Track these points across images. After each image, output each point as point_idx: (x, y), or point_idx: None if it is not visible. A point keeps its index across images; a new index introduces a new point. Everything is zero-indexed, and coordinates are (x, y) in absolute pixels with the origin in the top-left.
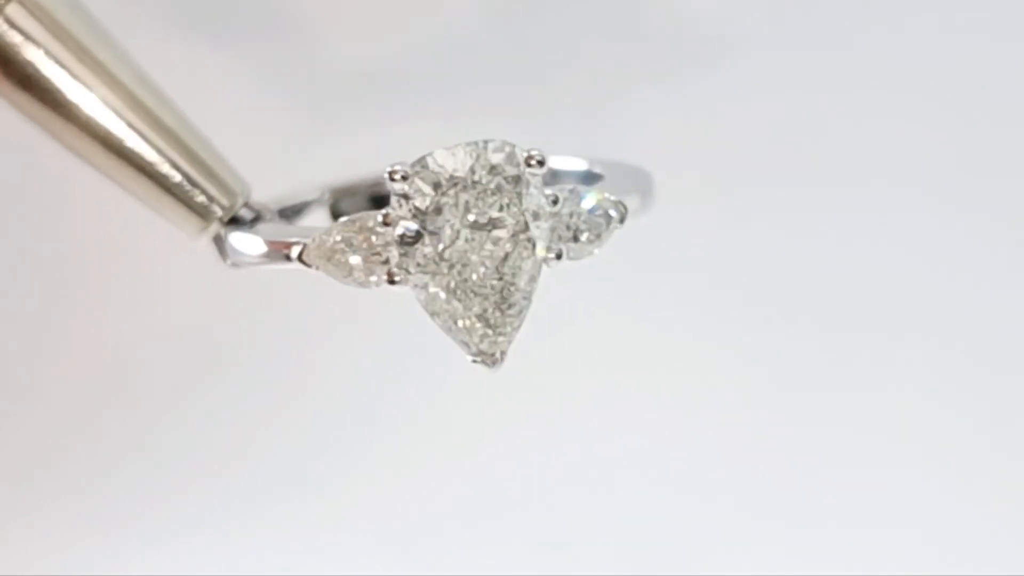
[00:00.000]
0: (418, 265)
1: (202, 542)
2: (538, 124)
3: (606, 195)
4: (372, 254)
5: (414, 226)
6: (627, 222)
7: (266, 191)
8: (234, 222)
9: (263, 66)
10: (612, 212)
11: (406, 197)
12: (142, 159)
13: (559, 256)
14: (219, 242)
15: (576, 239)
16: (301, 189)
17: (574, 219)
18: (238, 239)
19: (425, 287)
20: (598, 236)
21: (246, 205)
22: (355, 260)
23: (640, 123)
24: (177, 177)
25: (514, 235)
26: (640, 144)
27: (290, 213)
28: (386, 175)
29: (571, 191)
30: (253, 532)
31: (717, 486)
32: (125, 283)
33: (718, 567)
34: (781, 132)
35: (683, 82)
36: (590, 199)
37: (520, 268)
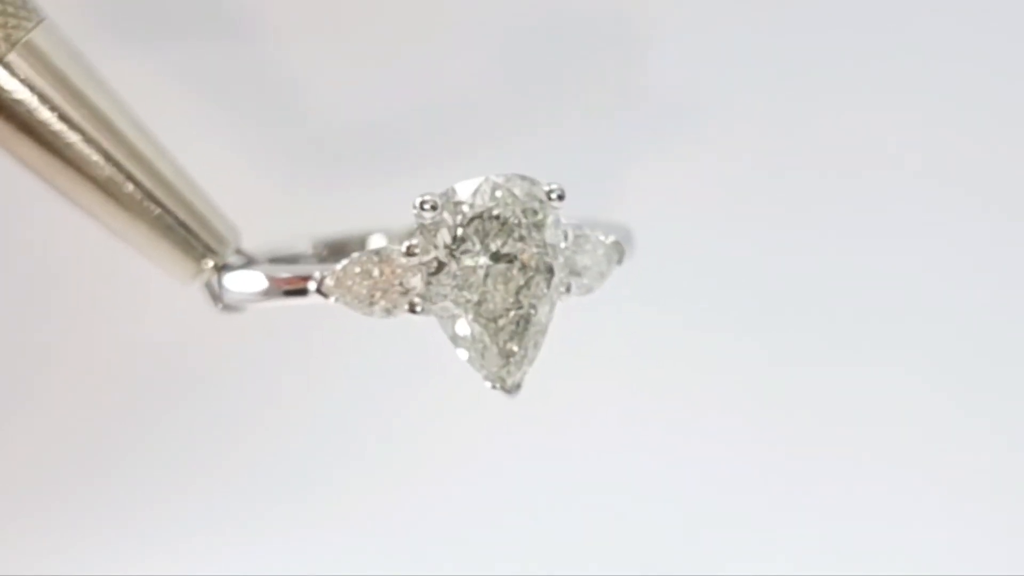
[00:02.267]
0: (440, 295)
1: (201, 543)
2: (529, 161)
3: (606, 238)
4: (393, 285)
5: (438, 257)
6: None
7: (257, 240)
8: (225, 268)
9: (256, 117)
10: (612, 254)
11: (429, 229)
12: (137, 206)
13: (568, 289)
14: (210, 288)
15: (580, 275)
16: (291, 240)
17: (579, 257)
18: (237, 277)
19: (447, 316)
20: (600, 274)
21: (237, 252)
22: (377, 291)
23: (633, 143)
24: (171, 223)
25: (534, 266)
26: (634, 165)
27: (281, 263)
28: (416, 204)
29: (576, 230)
30: (252, 534)
31: (720, 487)
32: (128, 285)
33: (721, 567)
34: (771, 142)
35: (674, 99)
36: (592, 240)
37: (539, 298)
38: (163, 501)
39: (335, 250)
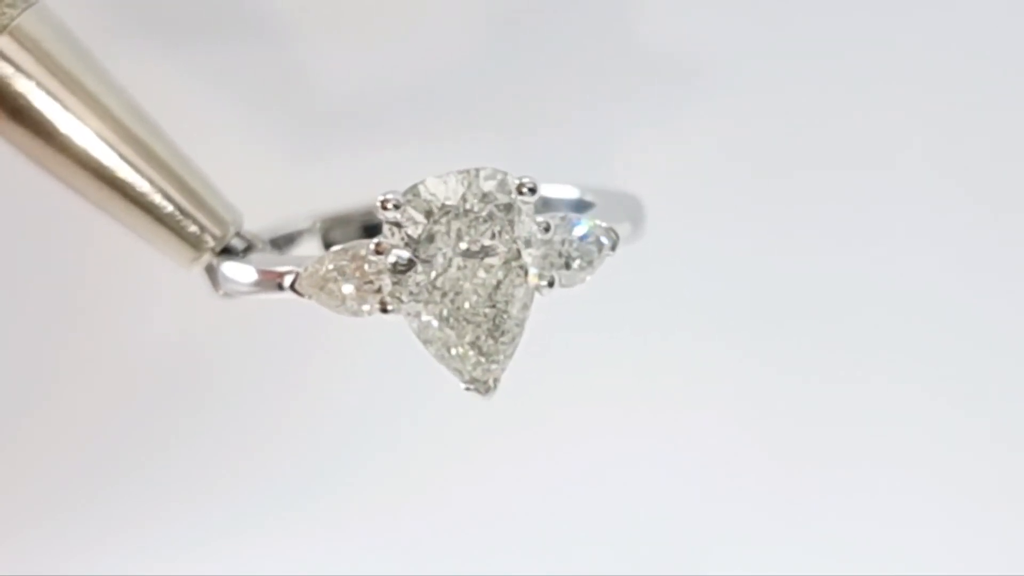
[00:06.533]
0: (411, 293)
1: (205, 548)
2: (527, 146)
3: (598, 222)
4: (364, 283)
5: (406, 254)
6: (618, 249)
7: (259, 220)
8: (226, 252)
9: (254, 95)
10: (604, 239)
11: (398, 225)
12: (133, 190)
13: (551, 283)
14: (211, 272)
15: (568, 266)
16: (293, 219)
17: (566, 246)
18: (230, 268)
19: (418, 315)
20: (590, 263)
21: (238, 235)
22: (347, 289)
23: (626, 139)
24: (169, 208)
25: (506, 263)
26: (628, 159)
27: (282, 243)
28: (378, 204)
29: (562, 218)
30: (255, 538)
31: (720, 487)
32: (132, 291)
33: (722, 567)
34: (768, 138)
35: (668, 97)
36: (582, 226)
37: (512, 296)
38: (166, 505)
39: (338, 226)
